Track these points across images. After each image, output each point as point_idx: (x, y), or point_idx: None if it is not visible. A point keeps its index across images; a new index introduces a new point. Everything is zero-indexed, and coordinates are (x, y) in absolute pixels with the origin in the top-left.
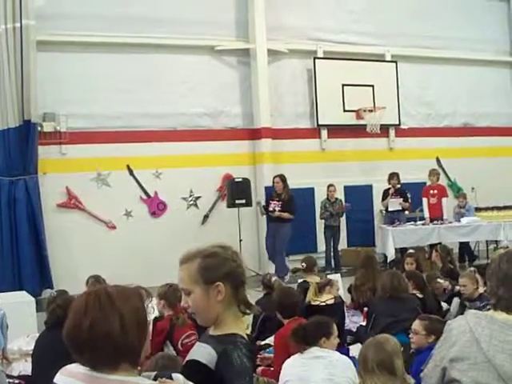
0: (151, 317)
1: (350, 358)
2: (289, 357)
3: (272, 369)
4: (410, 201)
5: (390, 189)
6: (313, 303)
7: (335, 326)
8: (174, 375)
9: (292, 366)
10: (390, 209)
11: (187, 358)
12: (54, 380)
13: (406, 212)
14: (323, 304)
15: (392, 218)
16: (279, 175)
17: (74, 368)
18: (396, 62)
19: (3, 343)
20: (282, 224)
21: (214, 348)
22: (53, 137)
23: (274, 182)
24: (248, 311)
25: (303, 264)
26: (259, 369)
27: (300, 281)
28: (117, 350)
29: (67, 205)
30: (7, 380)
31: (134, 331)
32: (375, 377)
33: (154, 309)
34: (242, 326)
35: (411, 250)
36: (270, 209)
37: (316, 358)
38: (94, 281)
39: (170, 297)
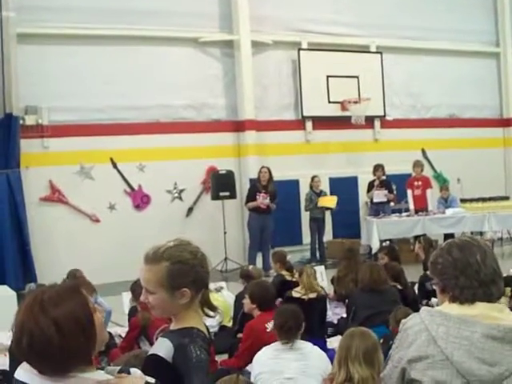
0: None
1: (328, 350)
2: (257, 347)
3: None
4: (394, 192)
5: (375, 180)
6: (294, 295)
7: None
8: (132, 370)
9: (264, 359)
10: (375, 200)
11: (149, 353)
12: (15, 375)
13: (391, 203)
14: (305, 297)
15: (377, 209)
16: (267, 166)
17: None
18: (381, 53)
19: None
20: (270, 216)
21: (171, 341)
22: (35, 130)
23: (261, 172)
24: (211, 313)
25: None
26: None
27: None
28: (62, 357)
29: (50, 198)
30: None
31: (76, 333)
32: (357, 364)
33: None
34: (201, 321)
35: (384, 244)
36: (260, 201)
37: (289, 349)
38: (71, 277)
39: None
